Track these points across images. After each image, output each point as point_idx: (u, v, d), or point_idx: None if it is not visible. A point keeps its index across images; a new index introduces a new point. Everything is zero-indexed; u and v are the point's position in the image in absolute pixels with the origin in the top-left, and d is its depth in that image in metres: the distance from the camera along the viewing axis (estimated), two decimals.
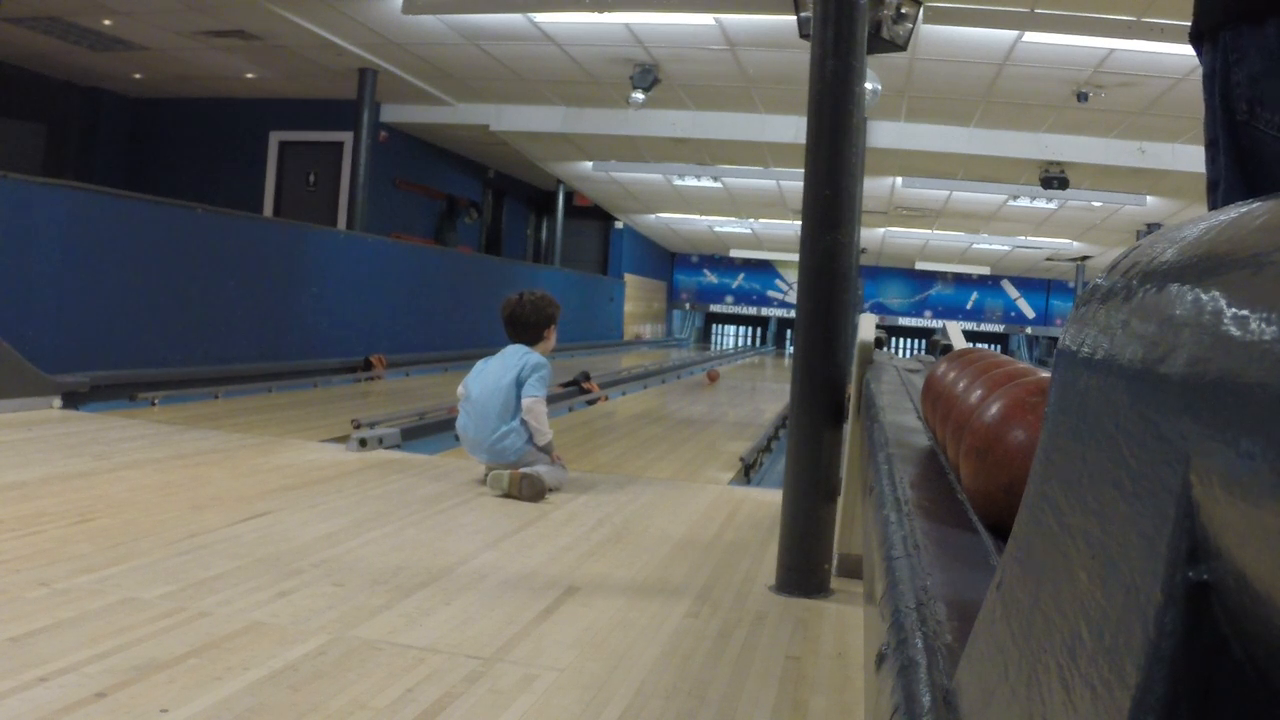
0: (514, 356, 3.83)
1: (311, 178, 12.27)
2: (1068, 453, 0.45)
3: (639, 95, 9.41)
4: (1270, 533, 0.26)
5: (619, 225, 19.94)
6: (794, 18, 6.37)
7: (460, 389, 3.91)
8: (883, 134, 10.43)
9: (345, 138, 11.21)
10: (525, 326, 3.92)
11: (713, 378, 11.86)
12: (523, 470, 3.59)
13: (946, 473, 1.59)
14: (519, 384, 3.75)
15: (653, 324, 22.63)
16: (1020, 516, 0.53)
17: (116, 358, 5.99)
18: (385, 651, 1.94)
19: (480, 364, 3.92)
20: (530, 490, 3.52)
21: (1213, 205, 1.53)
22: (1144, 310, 0.38)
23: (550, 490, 3.66)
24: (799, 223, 2.83)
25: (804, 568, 2.62)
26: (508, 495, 3.54)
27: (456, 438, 4.04)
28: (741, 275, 24.57)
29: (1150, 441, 0.35)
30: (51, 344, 5.49)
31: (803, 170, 2.75)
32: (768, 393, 10.70)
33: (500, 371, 3.79)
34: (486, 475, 3.70)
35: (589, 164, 14.27)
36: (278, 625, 2.04)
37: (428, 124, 12.38)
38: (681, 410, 8.36)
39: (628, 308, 20.30)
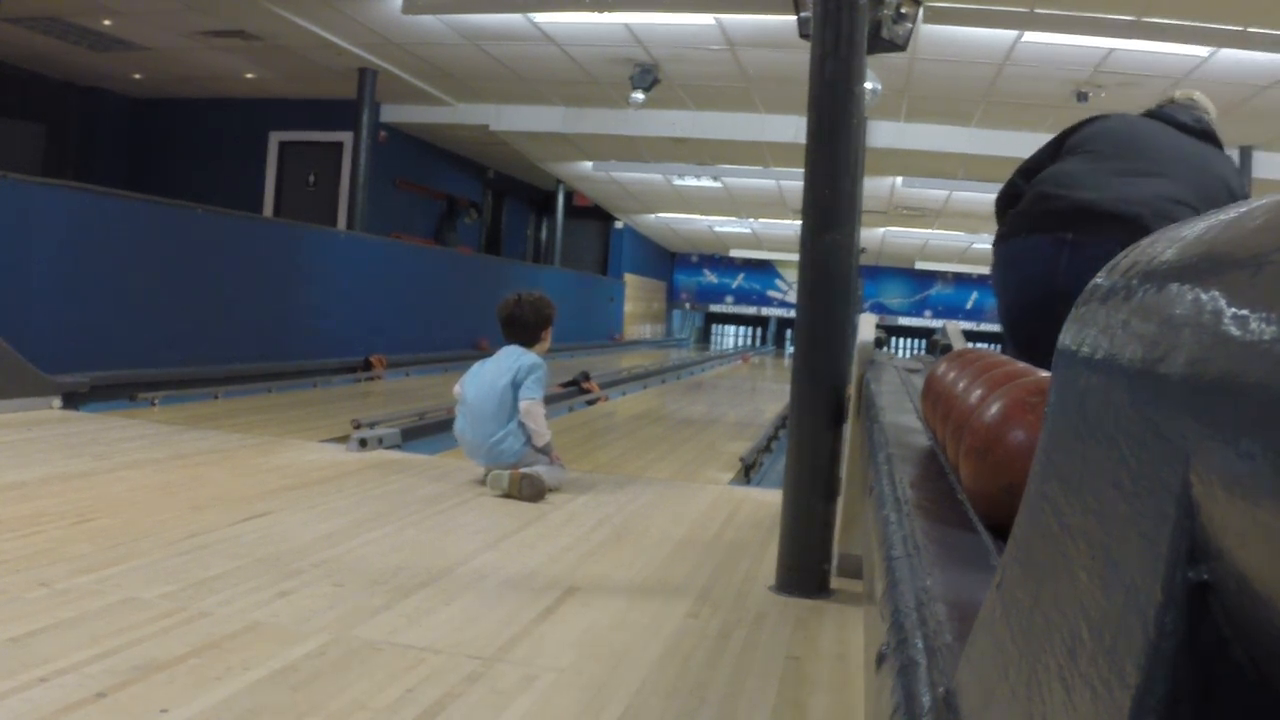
0: (509, 358, 3.82)
1: (311, 178, 12.27)
2: (1068, 453, 0.45)
3: (639, 95, 9.41)
4: (1270, 533, 0.26)
5: (619, 225, 19.94)
6: (794, 18, 6.36)
7: (456, 389, 3.91)
8: (883, 134, 10.42)
9: (345, 138, 11.20)
10: (523, 327, 3.92)
11: (746, 360, 15.09)
12: (523, 470, 3.59)
13: (946, 473, 1.59)
14: (515, 386, 3.74)
15: (652, 324, 22.64)
16: (1020, 516, 0.53)
17: (116, 358, 5.99)
18: (385, 651, 1.94)
19: (477, 365, 3.92)
20: (530, 490, 3.52)
21: None
22: (1144, 310, 0.38)
23: (550, 490, 3.66)
24: (799, 223, 2.82)
25: (804, 568, 2.62)
26: (508, 495, 3.54)
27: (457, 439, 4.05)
28: (741, 275, 24.57)
29: (1150, 441, 0.35)
30: (51, 344, 5.49)
31: (803, 170, 2.75)
32: (768, 393, 10.70)
33: (496, 374, 3.78)
34: (486, 475, 3.70)
35: (589, 164, 14.26)
36: (278, 625, 2.04)
37: (428, 124, 12.38)
38: (681, 410, 8.36)
39: (628, 308, 20.30)
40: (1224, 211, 0.38)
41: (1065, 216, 2.32)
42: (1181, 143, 2.50)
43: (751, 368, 16.23)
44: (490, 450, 3.71)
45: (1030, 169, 2.65)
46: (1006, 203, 2.70)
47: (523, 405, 3.72)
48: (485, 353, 6.33)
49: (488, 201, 16.77)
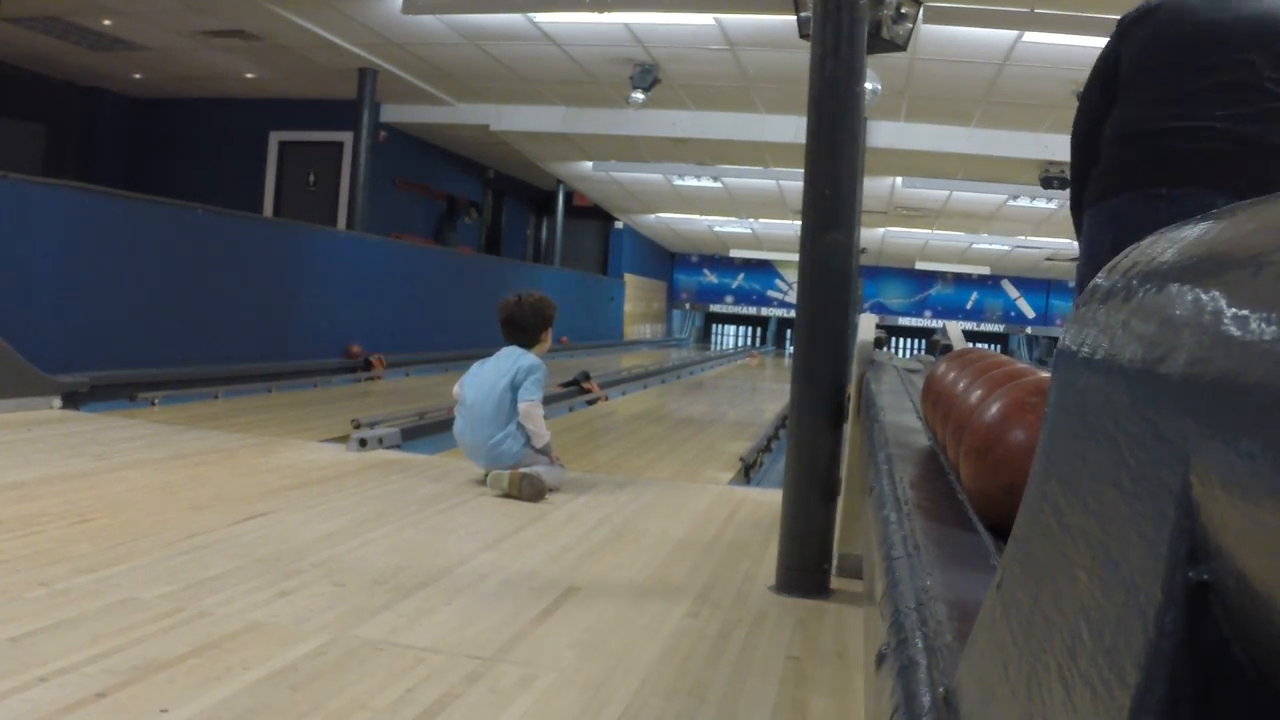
0: (508, 360, 3.82)
1: (311, 178, 12.26)
2: (1068, 453, 0.45)
3: (639, 95, 9.41)
4: (1270, 533, 0.26)
5: (619, 225, 19.94)
6: (794, 18, 6.37)
7: (456, 389, 3.91)
8: (883, 134, 10.42)
9: (345, 138, 11.20)
10: (523, 328, 3.92)
11: (755, 357, 15.84)
12: (523, 470, 3.59)
13: (946, 473, 1.59)
14: (514, 388, 3.74)
15: (652, 324, 22.64)
16: (1020, 516, 0.53)
17: (116, 358, 5.99)
18: (385, 651, 1.94)
19: (476, 366, 3.91)
20: (530, 490, 3.52)
21: None
22: (1144, 310, 0.38)
23: (550, 490, 3.66)
24: (799, 223, 2.82)
25: (804, 568, 2.62)
26: (508, 495, 3.54)
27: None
28: (741, 275, 24.57)
29: (1150, 441, 0.35)
30: (51, 344, 5.48)
31: (803, 170, 2.75)
32: (768, 393, 10.70)
33: (495, 375, 3.78)
34: (486, 476, 3.70)
35: (589, 164, 14.26)
36: (278, 625, 2.04)
37: (428, 124, 12.37)
38: (681, 410, 8.36)
39: (628, 308, 20.30)
40: (1224, 211, 0.38)
41: (1150, 170, 2.03)
42: (1246, 7, 2.05)
43: (759, 363, 17.06)
44: (490, 451, 3.71)
45: (1091, 116, 2.25)
46: (1084, 161, 2.29)
47: (522, 407, 3.72)
48: (355, 359, 6.34)
49: (488, 201, 16.77)
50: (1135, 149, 2.06)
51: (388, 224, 11.67)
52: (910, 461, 1.70)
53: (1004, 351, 18.84)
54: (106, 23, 9.12)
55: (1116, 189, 2.08)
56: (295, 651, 1.89)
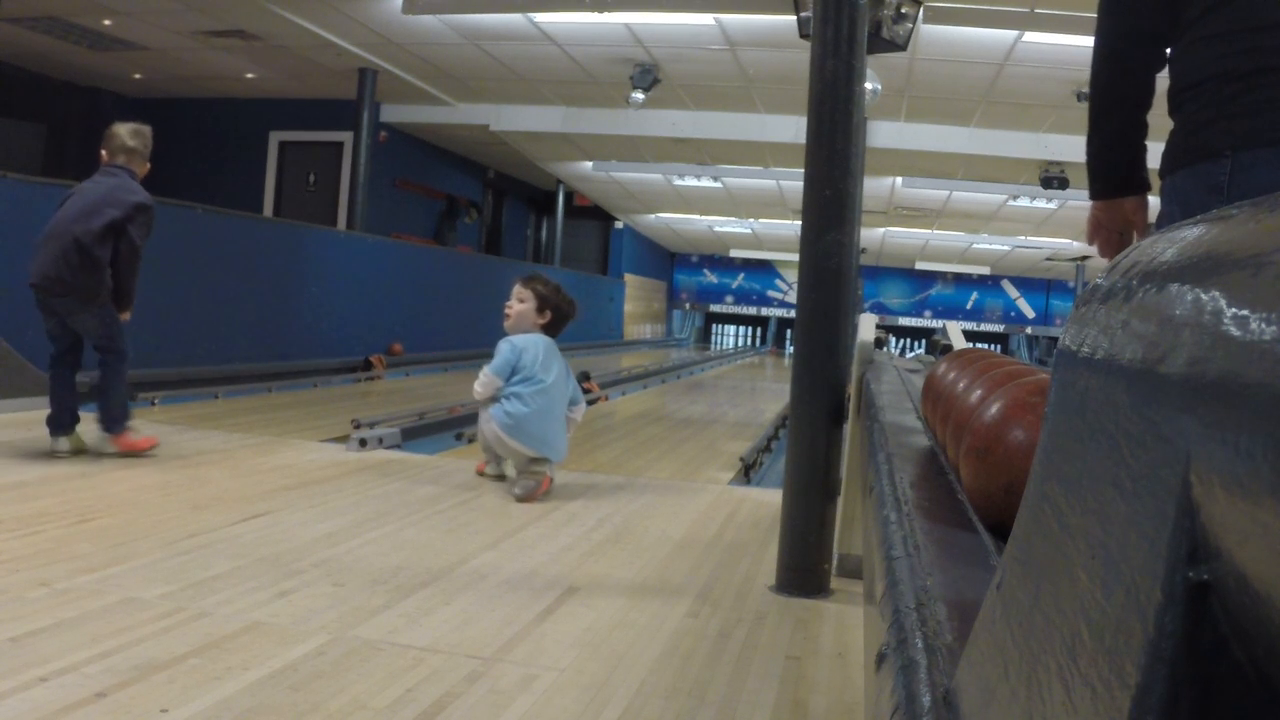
0: (554, 349, 3.77)
1: (311, 178, 12.27)
2: (1068, 453, 0.45)
3: (639, 95, 9.41)
4: (1270, 533, 0.26)
5: (619, 225, 19.95)
6: (794, 18, 6.37)
7: (484, 374, 3.63)
8: (883, 134, 10.42)
9: (345, 138, 11.20)
10: (566, 322, 3.90)
11: (774, 353, 16.72)
12: (521, 473, 3.61)
13: (946, 473, 1.59)
14: (569, 376, 3.79)
15: (652, 324, 22.65)
16: (1020, 516, 0.53)
17: None
18: (385, 651, 1.94)
19: (520, 342, 3.64)
20: (523, 491, 3.52)
21: None
22: (1144, 310, 0.38)
23: (547, 487, 3.66)
24: (799, 223, 2.83)
25: (804, 568, 2.62)
26: (524, 499, 3.50)
27: (480, 432, 3.78)
28: (741, 275, 24.58)
29: (1150, 441, 0.35)
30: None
31: (803, 170, 2.75)
32: (768, 393, 10.71)
33: (556, 364, 3.71)
34: (487, 464, 3.72)
35: (589, 164, 14.27)
36: (278, 625, 2.04)
37: (428, 124, 12.38)
38: (681, 410, 8.36)
39: (628, 308, 20.30)
40: (1223, 212, 0.38)
41: (1213, 125, 1.43)
42: None
43: (775, 358, 17.94)
44: (554, 440, 3.64)
45: (1147, 31, 1.55)
46: (1131, 89, 1.60)
47: (577, 410, 3.84)
48: (397, 355, 6.33)
49: (488, 201, 16.77)
50: (1210, 95, 1.44)
51: (388, 224, 11.67)
52: (910, 461, 1.70)
53: (1004, 351, 18.84)
54: (106, 23, 9.13)
55: (1250, 141, 1.42)
56: (295, 651, 1.89)
